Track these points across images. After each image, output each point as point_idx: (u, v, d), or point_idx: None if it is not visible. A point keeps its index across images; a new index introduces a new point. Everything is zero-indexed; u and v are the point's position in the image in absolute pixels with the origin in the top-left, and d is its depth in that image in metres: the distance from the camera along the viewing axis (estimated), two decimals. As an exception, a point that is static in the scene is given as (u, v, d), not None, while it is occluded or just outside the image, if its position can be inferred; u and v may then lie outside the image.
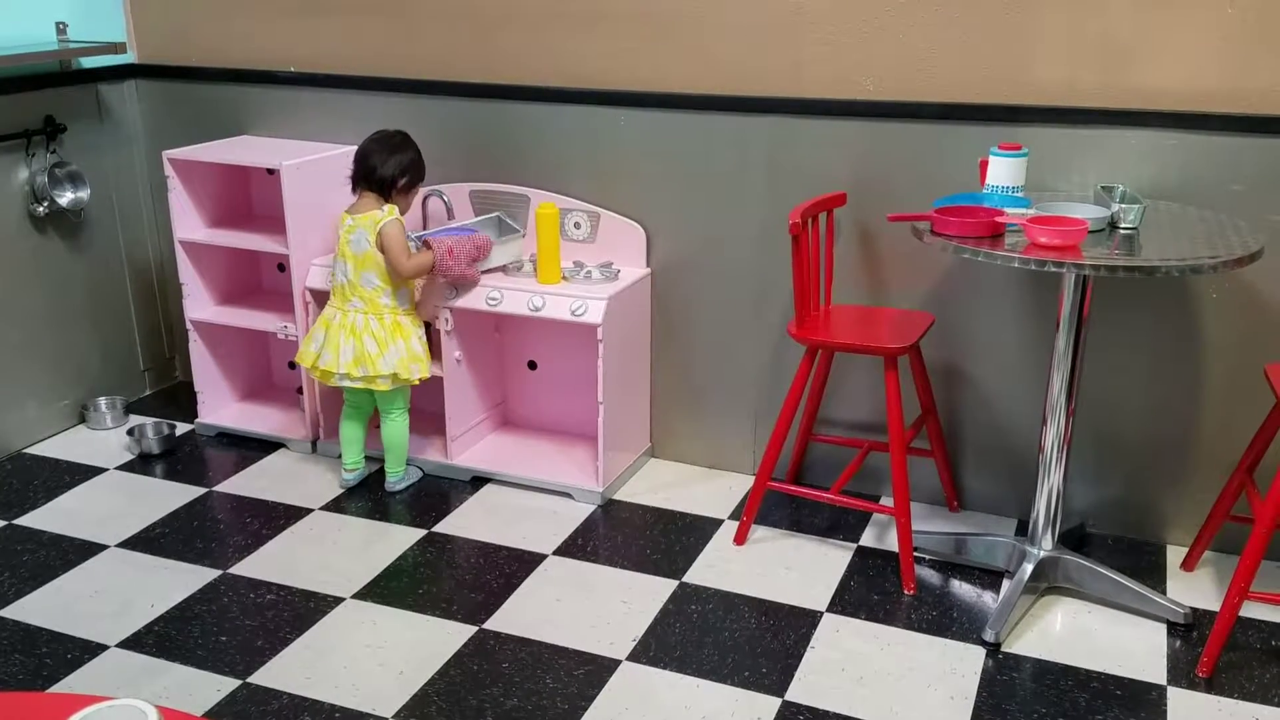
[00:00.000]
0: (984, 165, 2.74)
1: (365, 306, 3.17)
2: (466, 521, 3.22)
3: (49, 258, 3.65)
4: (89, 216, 3.75)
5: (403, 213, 3.20)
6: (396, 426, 3.33)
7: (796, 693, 2.50)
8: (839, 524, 3.21)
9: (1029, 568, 2.79)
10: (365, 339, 3.16)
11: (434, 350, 3.42)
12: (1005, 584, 2.89)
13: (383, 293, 3.17)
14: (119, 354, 3.95)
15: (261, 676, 2.54)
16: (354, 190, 3.22)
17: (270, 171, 3.60)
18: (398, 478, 3.37)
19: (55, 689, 2.48)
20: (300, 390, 3.67)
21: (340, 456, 3.40)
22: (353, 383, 3.20)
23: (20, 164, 3.51)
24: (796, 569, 2.99)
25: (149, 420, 3.76)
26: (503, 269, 3.37)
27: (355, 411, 3.35)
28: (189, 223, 3.62)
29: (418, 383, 3.25)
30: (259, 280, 3.92)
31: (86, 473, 3.49)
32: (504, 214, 3.44)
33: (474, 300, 3.26)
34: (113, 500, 3.32)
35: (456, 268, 3.19)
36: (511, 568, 2.98)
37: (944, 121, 2.97)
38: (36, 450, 3.64)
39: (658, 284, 3.41)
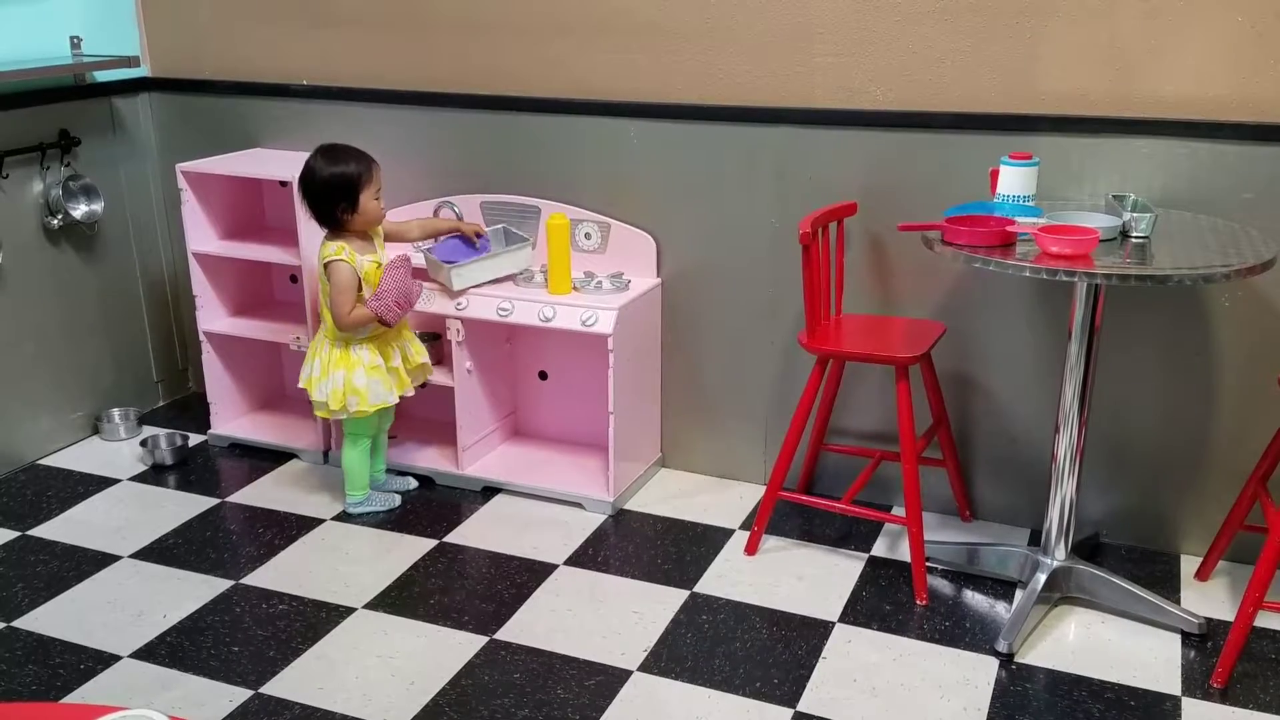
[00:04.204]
0: (995, 174, 2.73)
1: (326, 330, 3.15)
2: (477, 531, 3.22)
3: (63, 270, 3.67)
4: (103, 229, 3.77)
5: (371, 221, 3.07)
6: (346, 452, 3.26)
7: (808, 704, 2.49)
8: (850, 534, 3.20)
9: (1042, 578, 2.77)
10: (316, 362, 3.15)
11: (443, 360, 3.43)
12: (1018, 594, 2.88)
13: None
14: (132, 365, 3.97)
15: (273, 687, 2.54)
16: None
17: (283, 184, 3.62)
18: (353, 501, 3.30)
19: (68, 699, 2.48)
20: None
21: None
22: (311, 400, 3.21)
23: (35, 177, 3.53)
24: (808, 579, 2.98)
25: (162, 431, 3.77)
26: (512, 279, 3.38)
27: None
28: (202, 235, 3.64)
29: (357, 414, 3.14)
30: (271, 292, 3.93)
31: (100, 484, 3.50)
32: (509, 226, 3.44)
33: (485, 310, 3.26)
34: (126, 511, 3.34)
35: (391, 310, 3.05)
36: (522, 578, 2.98)
37: (955, 131, 2.96)
38: (50, 461, 3.66)
39: (668, 294, 3.41)
